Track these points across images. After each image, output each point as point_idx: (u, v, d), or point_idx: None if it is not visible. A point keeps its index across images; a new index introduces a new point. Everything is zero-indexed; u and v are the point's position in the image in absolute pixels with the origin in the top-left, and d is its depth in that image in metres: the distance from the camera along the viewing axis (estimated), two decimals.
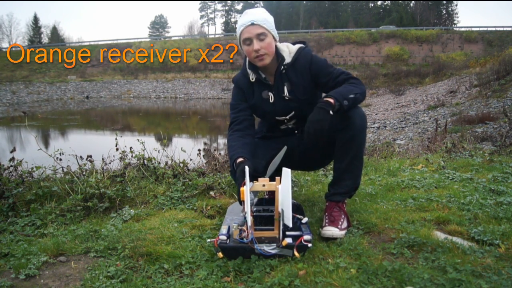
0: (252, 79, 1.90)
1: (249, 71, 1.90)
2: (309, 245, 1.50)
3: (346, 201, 1.88)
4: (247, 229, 1.51)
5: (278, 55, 1.85)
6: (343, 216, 1.74)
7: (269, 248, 1.49)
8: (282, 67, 1.84)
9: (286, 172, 1.49)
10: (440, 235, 1.63)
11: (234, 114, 1.95)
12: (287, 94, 1.87)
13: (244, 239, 1.49)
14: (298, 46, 1.89)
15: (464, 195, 2.15)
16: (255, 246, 1.47)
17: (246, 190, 1.51)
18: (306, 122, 1.66)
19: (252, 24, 1.75)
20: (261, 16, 1.78)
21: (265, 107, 1.92)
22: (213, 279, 1.37)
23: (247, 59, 1.90)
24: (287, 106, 1.90)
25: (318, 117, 1.62)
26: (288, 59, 1.85)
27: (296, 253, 1.49)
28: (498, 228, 1.65)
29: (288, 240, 1.49)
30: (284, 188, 1.51)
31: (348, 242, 1.60)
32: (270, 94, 1.89)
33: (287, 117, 1.94)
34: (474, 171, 2.77)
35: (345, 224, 1.73)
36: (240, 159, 1.72)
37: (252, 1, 66.49)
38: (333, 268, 1.39)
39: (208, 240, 1.60)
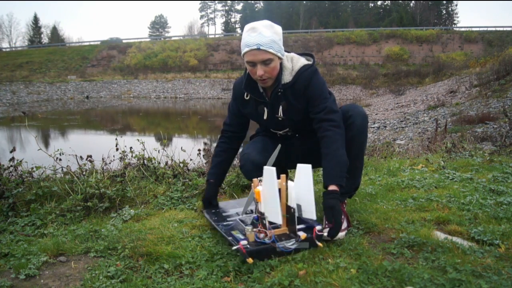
0: (247, 97, 1.88)
1: (244, 90, 1.85)
2: (324, 233, 1.58)
3: (346, 201, 1.88)
4: (265, 229, 1.55)
5: (279, 77, 1.75)
6: (343, 217, 1.74)
7: (289, 244, 1.52)
8: (279, 91, 1.77)
9: (305, 168, 1.55)
10: (440, 235, 1.63)
11: (226, 127, 2.04)
12: (281, 115, 1.83)
13: (265, 239, 1.52)
14: (302, 64, 1.78)
15: (464, 195, 2.15)
16: (277, 245, 1.50)
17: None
18: (325, 210, 1.64)
19: (258, 49, 1.64)
20: (268, 38, 1.64)
21: (260, 120, 1.93)
22: (213, 279, 1.37)
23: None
24: (281, 124, 1.89)
25: (332, 204, 1.62)
26: (289, 77, 1.76)
27: (319, 243, 1.55)
28: (498, 228, 1.65)
29: (302, 233, 1.55)
30: (302, 183, 1.56)
31: (348, 242, 1.60)
32: (265, 109, 1.86)
33: (281, 132, 1.94)
34: (474, 171, 2.77)
35: (345, 225, 1.73)
36: (211, 181, 2.03)
37: (252, 1, 66.56)
38: (333, 268, 1.39)
39: (234, 247, 1.51)
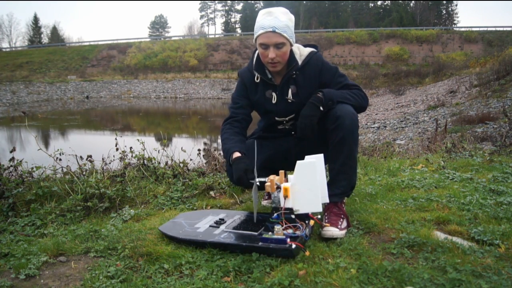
0: (257, 79, 1.90)
1: (255, 72, 1.89)
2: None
3: (345, 201, 1.88)
4: (304, 223, 1.62)
5: (292, 59, 1.82)
6: (342, 216, 1.75)
7: (306, 232, 1.59)
8: (294, 73, 1.84)
9: (306, 164, 1.57)
10: (440, 235, 1.63)
11: (234, 110, 1.98)
12: (291, 97, 1.87)
13: (297, 233, 1.57)
14: (309, 50, 1.88)
15: (464, 195, 2.15)
16: (303, 235, 1.57)
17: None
18: (299, 117, 1.74)
19: (274, 31, 1.70)
20: (284, 22, 1.71)
21: (267, 106, 1.93)
22: (213, 279, 1.37)
23: (256, 54, 1.89)
24: (289, 108, 1.91)
25: (308, 112, 1.73)
26: (298, 61, 1.84)
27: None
28: (498, 228, 1.65)
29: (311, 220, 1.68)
30: (302, 179, 1.58)
31: (348, 242, 1.60)
32: (274, 94, 1.89)
33: (287, 118, 1.94)
34: (474, 171, 2.77)
35: (344, 224, 1.73)
36: (237, 154, 1.75)
37: (252, 1, 66.53)
38: (333, 268, 1.39)
39: (294, 245, 1.50)
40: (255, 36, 1.77)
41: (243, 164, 1.71)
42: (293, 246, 1.47)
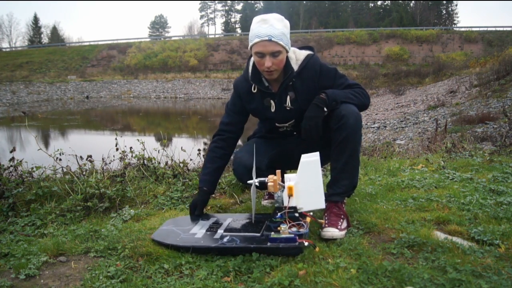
0: (254, 89, 1.89)
1: (251, 82, 1.87)
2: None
3: (345, 201, 1.88)
4: (305, 221, 1.63)
5: (288, 67, 1.80)
6: (342, 216, 1.74)
7: (303, 230, 1.60)
8: (292, 80, 1.82)
9: (309, 160, 1.59)
10: (440, 235, 1.63)
11: (223, 126, 2.00)
12: (289, 105, 1.86)
13: (301, 230, 1.58)
14: (305, 53, 1.85)
15: (464, 195, 2.15)
16: (305, 232, 1.58)
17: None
18: (303, 119, 1.75)
19: (270, 40, 1.66)
20: (279, 30, 1.68)
21: (266, 113, 1.92)
22: (213, 279, 1.37)
23: (251, 62, 1.87)
24: (288, 115, 1.90)
25: (312, 114, 1.72)
26: (295, 67, 1.81)
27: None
28: (498, 228, 1.64)
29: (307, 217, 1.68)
30: (305, 175, 1.60)
31: (348, 242, 1.60)
32: (272, 102, 1.88)
33: (287, 124, 1.94)
34: (474, 171, 2.77)
35: (344, 225, 1.73)
36: (204, 189, 1.93)
37: (252, 1, 66.52)
38: (333, 268, 1.39)
39: (306, 243, 1.52)
40: (250, 44, 1.74)
41: (195, 201, 1.93)
42: (305, 243, 1.48)
